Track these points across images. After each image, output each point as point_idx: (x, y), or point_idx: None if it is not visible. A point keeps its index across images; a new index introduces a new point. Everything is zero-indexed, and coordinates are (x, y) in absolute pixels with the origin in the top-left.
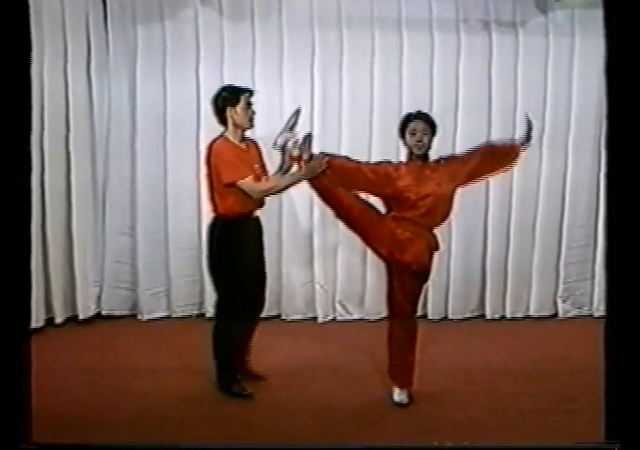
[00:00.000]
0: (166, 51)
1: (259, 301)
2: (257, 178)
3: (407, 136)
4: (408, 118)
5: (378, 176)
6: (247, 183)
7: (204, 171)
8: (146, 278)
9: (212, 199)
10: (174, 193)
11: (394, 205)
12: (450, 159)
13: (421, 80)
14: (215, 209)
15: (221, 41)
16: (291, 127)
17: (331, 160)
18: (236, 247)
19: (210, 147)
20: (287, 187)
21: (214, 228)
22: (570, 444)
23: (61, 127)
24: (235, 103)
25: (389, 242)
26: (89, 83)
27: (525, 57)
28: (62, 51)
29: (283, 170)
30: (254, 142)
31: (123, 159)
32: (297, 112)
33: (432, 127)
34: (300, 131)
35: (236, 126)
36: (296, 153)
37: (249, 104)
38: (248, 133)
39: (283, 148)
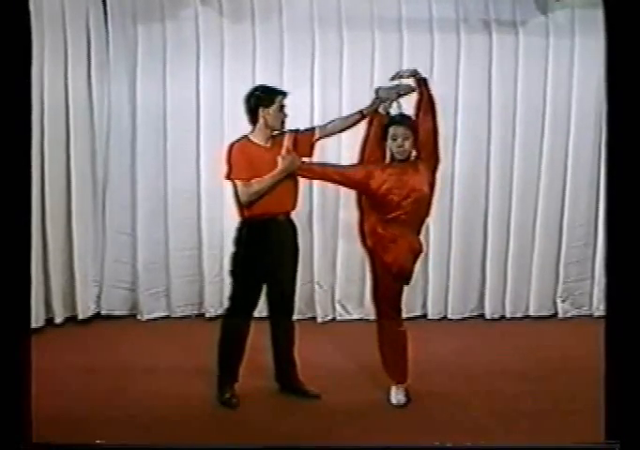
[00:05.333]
0: (166, 51)
1: (283, 303)
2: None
3: (389, 140)
4: (388, 122)
5: (352, 181)
6: (239, 186)
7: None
8: (146, 278)
9: (237, 201)
10: (173, 193)
11: (379, 207)
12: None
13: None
14: (240, 212)
15: (222, 41)
16: (399, 94)
17: (305, 166)
18: (260, 248)
19: (230, 148)
20: (273, 183)
21: (241, 229)
22: (570, 444)
23: (61, 127)
24: (268, 104)
25: (376, 236)
26: (89, 84)
27: (525, 57)
28: (62, 51)
29: (285, 149)
30: (286, 133)
31: (123, 159)
32: (411, 90)
33: (413, 131)
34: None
35: (266, 126)
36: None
37: (282, 106)
38: None
39: (380, 101)
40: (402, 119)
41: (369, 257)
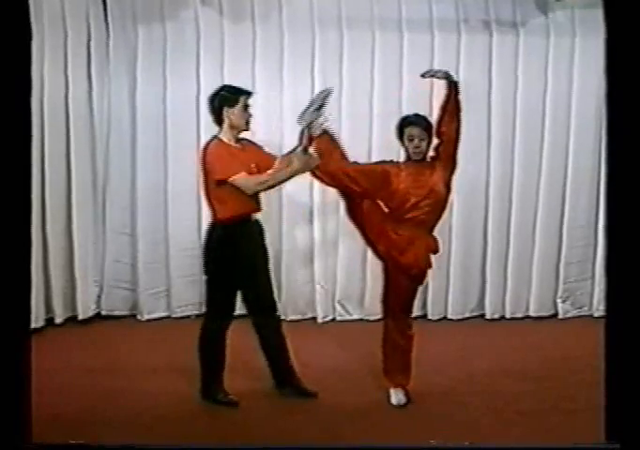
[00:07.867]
0: (166, 51)
1: (264, 303)
2: (252, 175)
3: (405, 141)
4: (404, 123)
5: (371, 176)
6: (240, 178)
7: (200, 174)
8: (146, 278)
9: (210, 203)
10: (174, 193)
11: (395, 207)
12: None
13: (421, 80)
14: (213, 214)
15: (222, 41)
16: (319, 107)
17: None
18: (234, 250)
19: (205, 149)
20: (283, 181)
21: (212, 232)
22: (570, 444)
23: (61, 127)
24: (232, 104)
25: (389, 241)
26: (89, 84)
27: (526, 57)
28: (62, 51)
29: (302, 148)
30: (251, 143)
31: (123, 159)
32: (327, 94)
33: (428, 131)
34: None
35: (231, 126)
36: (316, 133)
37: (246, 106)
38: (248, 133)
39: (308, 126)
40: (417, 119)
41: (383, 262)
